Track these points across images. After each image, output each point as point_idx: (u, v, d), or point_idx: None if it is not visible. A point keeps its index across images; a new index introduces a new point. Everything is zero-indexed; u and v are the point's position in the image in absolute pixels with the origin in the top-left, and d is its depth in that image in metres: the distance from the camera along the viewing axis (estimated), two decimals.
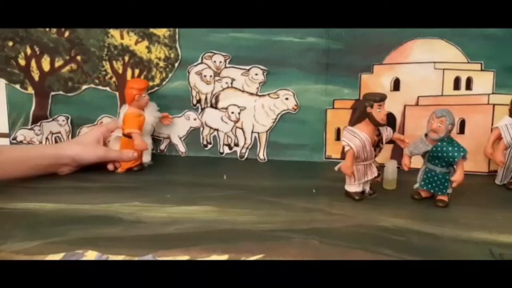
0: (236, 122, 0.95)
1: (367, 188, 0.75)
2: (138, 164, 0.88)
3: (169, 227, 0.64)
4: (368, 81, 0.90)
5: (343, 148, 0.72)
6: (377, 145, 0.74)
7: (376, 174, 0.75)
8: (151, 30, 0.94)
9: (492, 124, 0.85)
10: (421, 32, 0.87)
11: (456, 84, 0.88)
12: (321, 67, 0.91)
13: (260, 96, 0.94)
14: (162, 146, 0.98)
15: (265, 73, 0.93)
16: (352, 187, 0.74)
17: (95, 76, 0.97)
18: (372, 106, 0.70)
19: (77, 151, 0.84)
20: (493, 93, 0.87)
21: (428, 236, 0.62)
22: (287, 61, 0.92)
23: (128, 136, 0.86)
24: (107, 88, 0.97)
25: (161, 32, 0.94)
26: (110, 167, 0.87)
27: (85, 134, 0.89)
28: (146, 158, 0.90)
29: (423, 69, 0.88)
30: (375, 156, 0.75)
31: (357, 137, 0.71)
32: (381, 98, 0.71)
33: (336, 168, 0.74)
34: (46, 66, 0.98)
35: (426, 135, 0.72)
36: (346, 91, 0.91)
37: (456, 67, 0.87)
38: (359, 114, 0.72)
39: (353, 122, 0.73)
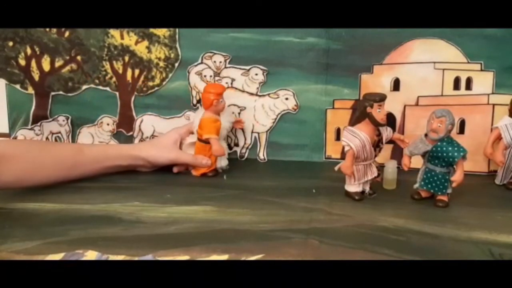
0: None
1: (367, 188, 0.75)
2: (212, 170, 0.85)
3: (169, 227, 0.64)
4: (368, 81, 0.90)
5: (343, 148, 0.72)
6: (377, 145, 0.74)
7: (376, 174, 0.75)
8: (151, 30, 0.94)
9: (492, 124, 0.85)
10: (421, 32, 0.87)
11: (456, 84, 0.88)
12: (321, 67, 0.91)
13: (260, 96, 0.94)
14: None
15: (265, 73, 0.93)
16: (352, 187, 0.74)
17: (95, 76, 0.97)
18: (372, 106, 0.70)
19: (151, 153, 0.84)
20: (493, 93, 0.87)
21: (428, 236, 0.62)
22: (287, 61, 0.92)
23: (204, 141, 0.84)
24: (107, 88, 0.98)
25: (161, 32, 0.94)
26: (175, 170, 0.86)
27: (163, 135, 0.88)
28: (224, 162, 0.87)
29: (423, 69, 0.88)
30: (375, 156, 0.75)
31: (357, 137, 0.71)
32: (381, 98, 0.71)
33: (336, 168, 0.74)
34: (46, 66, 0.98)
35: (426, 135, 0.72)
36: (346, 91, 0.91)
37: (456, 67, 0.87)
38: (359, 114, 0.72)
39: (353, 122, 0.73)
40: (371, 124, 0.71)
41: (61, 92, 0.98)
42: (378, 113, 0.71)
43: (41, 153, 0.76)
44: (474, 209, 0.71)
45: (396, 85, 0.90)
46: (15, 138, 0.99)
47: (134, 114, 0.98)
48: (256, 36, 0.91)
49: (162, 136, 0.88)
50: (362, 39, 0.88)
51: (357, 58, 0.89)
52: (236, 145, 0.97)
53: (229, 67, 0.94)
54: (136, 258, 0.56)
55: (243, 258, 0.55)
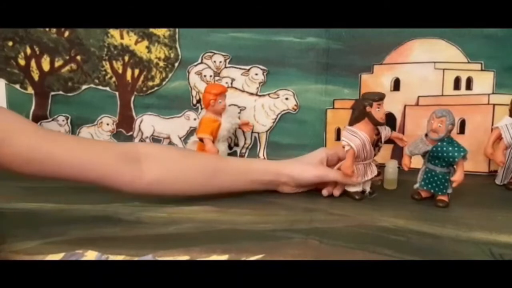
0: None
1: (368, 188, 0.75)
2: None
3: (169, 227, 0.64)
4: (368, 81, 0.90)
5: (343, 147, 0.72)
6: (376, 144, 0.74)
7: (376, 173, 0.75)
8: (151, 30, 0.94)
9: (492, 124, 0.86)
10: (421, 32, 0.87)
11: (456, 84, 0.88)
12: (321, 67, 0.91)
13: (260, 96, 0.94)
14: None
15: (265, 73, 0.93)
16: (353, 187, 0.74)
17: (95, 76, 0.97)
18: (371, 106, 0.70)
19: (296, 169, 0.75)
20: (493, 93, 0.87)
21: (428, 236, 0.62)
22: (287, 61, 0.92)
23: (203, 140, 0.84)
24: (107, 88, 0.98)
25: (161, 32, 0.94)
26: (325, 192, 0.76)
27: (309, 154, 0.79)
28: None
29: (423, 69, 0.88)
30: (374, 155, 0.75)
31: (357, 136, 0.71)
32: (380, 97, 0.71)
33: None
34: (46, 66, 0.98)
35: (426, 135, 0.71)
36: (346, 91, 0.91)
37: (456, 67, 0.87)
38: (358, 113, 0.72)
39: (352, 121, 0.73)
40: (371, 123, 0.71)
41: (60, 92, 0.98)
42: (378, 112, 0.71)
43: (184, 155, 0.73)
44: (475, 209, 0.71)
45: (396, 85, 0.90)
46: None
47: (134, 114, 0.98)
48: (256, 36, 0.91)
49: (307, 154, 0.79)
50: (362, 39, 0.88)
51: (357, 58, 0.89)
52: (236, 145, 0.97)
53: (229, 67, 0.94)
54: (136, 258, 0.55)
55: (243, 258, 0.55)
